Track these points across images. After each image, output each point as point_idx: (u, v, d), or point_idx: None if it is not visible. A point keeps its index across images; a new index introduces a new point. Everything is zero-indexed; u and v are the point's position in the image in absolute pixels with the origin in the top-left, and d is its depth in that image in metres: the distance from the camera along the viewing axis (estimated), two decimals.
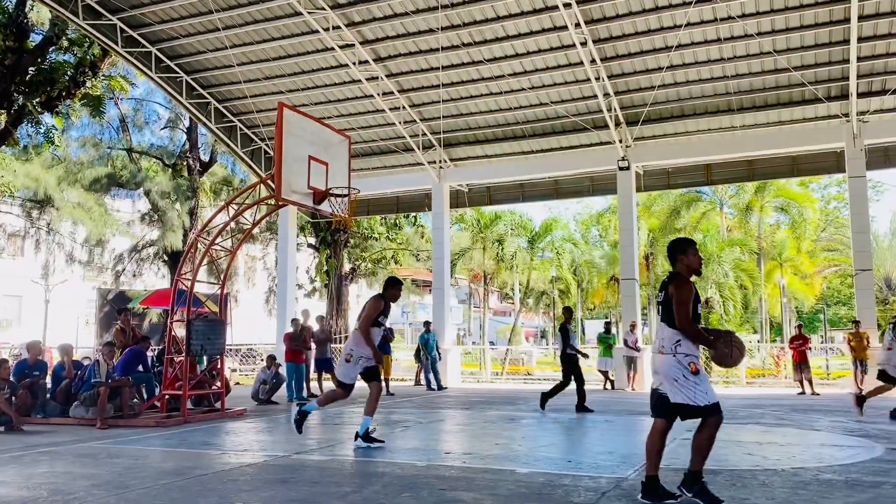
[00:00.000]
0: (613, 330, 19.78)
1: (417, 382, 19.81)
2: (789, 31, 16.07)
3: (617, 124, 18.71)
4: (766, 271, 35.38)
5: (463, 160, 21.38)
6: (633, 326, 18.41)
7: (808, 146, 18.18)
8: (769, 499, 5.06)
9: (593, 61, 17.19)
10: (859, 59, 15.95)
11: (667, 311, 4.91)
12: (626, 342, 18.18)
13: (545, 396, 11.94)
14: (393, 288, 7.91)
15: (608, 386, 18.53)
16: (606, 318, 39.77)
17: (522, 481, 5.80)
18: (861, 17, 15.12)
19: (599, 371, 19.24)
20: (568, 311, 12.87)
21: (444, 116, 19.73)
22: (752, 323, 39.26)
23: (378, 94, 19.30)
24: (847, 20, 15.14)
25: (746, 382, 20.08)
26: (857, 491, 5.30)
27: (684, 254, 5.03)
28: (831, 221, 43.11)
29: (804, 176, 29.64)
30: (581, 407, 11.67)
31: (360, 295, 48.01)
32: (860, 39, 15.57)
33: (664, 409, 4.85)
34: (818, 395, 15.93)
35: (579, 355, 12.28)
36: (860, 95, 16.75)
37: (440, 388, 18.03)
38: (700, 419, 4.80)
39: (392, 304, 7.94)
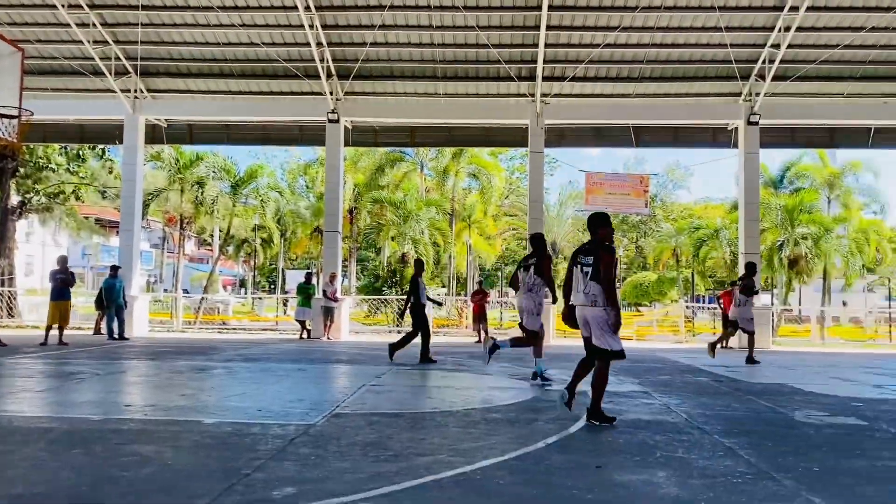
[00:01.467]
0: (314, 280, 19.97)
1: (97, 331, 18.19)
2: (490, 10, 17.32)
3: (329, 76, 18.69)
4: (457, 231, 38.31)
5: (162, 92, 19.79)
6: (332, 277, 18.78)
7: (500, 120, 19.92)
8: (443, 437, 5.53)
9: (308, 8, 16.91)
10: (546, 45, 17.76)
11: (598, 271, 5.95)
12: (325, 293, 18.50)
13: (393, 348, 11.96)
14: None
15: (304, 335, 18.75)
16: (308, 268, 40.03)
17: (208, 432, 5.63)
18: (551, 7, 16.81)
19: (297, 320, 19.39)
20: (419, 264, 12.74)
21: (142, 42, 18.01)
22: (442, 278, 42.44)
23: (62, 6, 16.96)
24: (539, 7, 16.72)
25: (433, 332, 21.68)
26: (517, 427, 6.03)
27: (606, 226, 6.15)
28: (513, 190, 47.89)
29: (495, 147, 32.55)
30: (425, 358, 11.76)
31: (30, 232, 42.40)
32: (548, 28, 17.32)
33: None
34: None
35: (435, 304, 13.13)
36: (544, 79, 18.70)
37: (123, 337, 16.73)
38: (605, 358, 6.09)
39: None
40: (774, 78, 18.14)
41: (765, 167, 34.67)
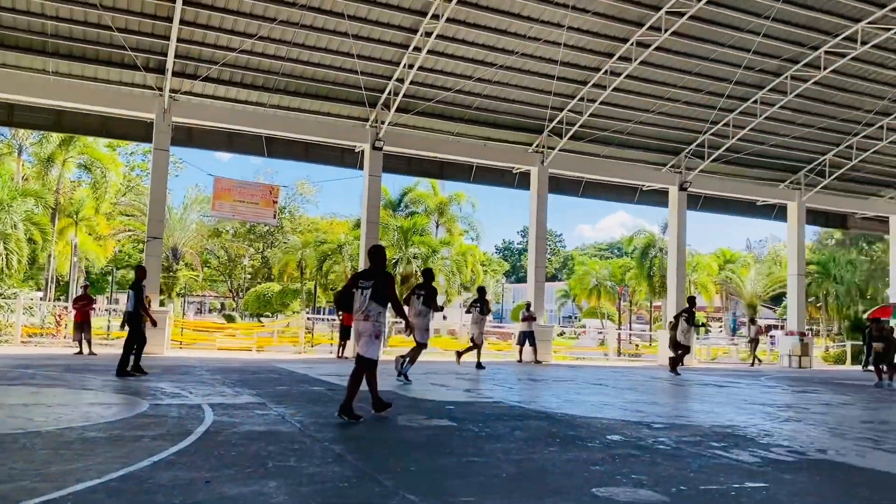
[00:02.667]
0: None
1: None
2: None
3: None
4: (60, 228, 34.12)
5: None
6: None
7: (121, 110, 18.32)
8: (28, 462, 4.81)
9: None
10: (179, 40, 16.87)
11: (376, 292, 7.21)
12: None
13: (124, 362, 11.27)
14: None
15: None
16: None
17: None
18: (186, 3, 16.01)
19: None
20: (142, 270, 12.52)
21: None
22: (38, 280, 37.31)
23: None
24: (173, 0, 15.81)
25: (21, 341, 18.88)
26: (119, 446, 5.51)
27: (384, 257, 7.54)
28: (132, 188, 44.42)
29: (114, 138, 29.83)
30: (137, 367, 11.45)
31: None
32: (183, 22, 16.49)
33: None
34: (95, 354, 16.10)
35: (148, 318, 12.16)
36: (175, 74, 17.73)
37: None
38: (368, 366, 7.34)
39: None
40: (398, 109, 19.76)
41: (386, 190, 37.59)
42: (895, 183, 27.50)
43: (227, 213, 21.45)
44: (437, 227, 42.78)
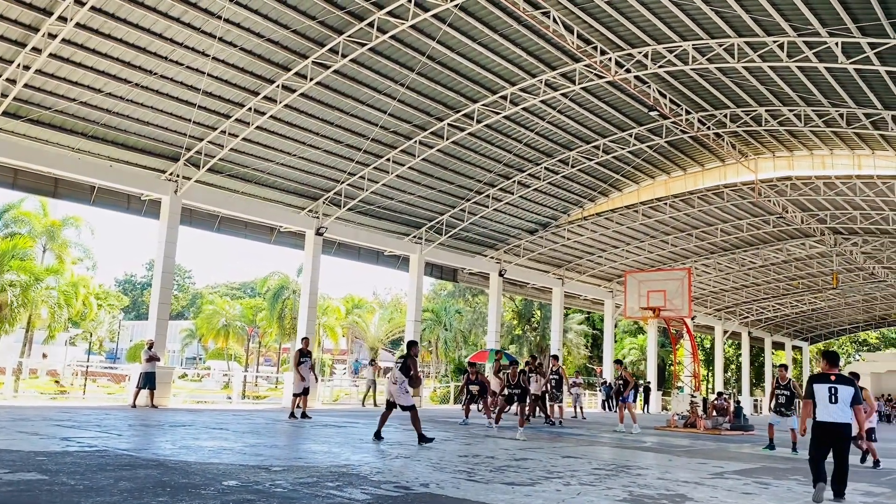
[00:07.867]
0: None
1: None
2: None
3: None
4: None
5: None
6: None
7: None
8: None
9: None
10: None
11: (405, 368, 11.46)
12: None
13: None
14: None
15: None
16: None
17: None
18: None
19: None
20: None
21: None
22: None
23: None
24: None
25: None
26: None
27: (416, 347, 12.05)
28: None
29: None
30: None
31: None
32: None
33: (393, 406, 11.61)
34: None
35: None
36: None
37: None
38: (409, 411, 11.54)
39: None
40: (6, 113, 17.18)
41: None
42: (496, 245, 31.84)
43: None
44: (44, 252, 37.72)
